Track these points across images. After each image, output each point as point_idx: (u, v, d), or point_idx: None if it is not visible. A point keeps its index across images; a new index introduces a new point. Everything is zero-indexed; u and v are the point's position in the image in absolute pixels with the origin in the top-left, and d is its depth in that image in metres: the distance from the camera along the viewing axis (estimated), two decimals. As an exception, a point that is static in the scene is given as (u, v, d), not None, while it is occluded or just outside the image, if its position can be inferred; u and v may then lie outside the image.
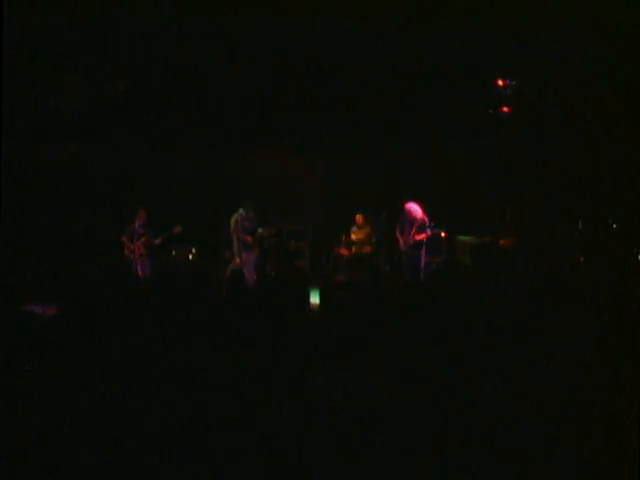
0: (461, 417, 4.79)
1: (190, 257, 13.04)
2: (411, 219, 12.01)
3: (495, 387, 5.04)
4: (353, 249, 13.42)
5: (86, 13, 8.82)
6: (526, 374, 5.18)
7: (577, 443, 4.47)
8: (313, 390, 5.35)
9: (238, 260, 12.16)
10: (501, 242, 12.25)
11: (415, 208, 12.02)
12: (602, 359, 5.33)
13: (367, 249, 13.33)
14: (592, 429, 4.56)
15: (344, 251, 13.48)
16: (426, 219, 11.96)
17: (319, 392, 5.37)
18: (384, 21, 9.47)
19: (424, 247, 11.97)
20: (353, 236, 13.54)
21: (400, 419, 4.84)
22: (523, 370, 5.24)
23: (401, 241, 12.18)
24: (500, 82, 12.31)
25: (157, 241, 12.11)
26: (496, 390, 5.00)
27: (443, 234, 13.24)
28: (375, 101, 12.68)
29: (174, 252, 13.07)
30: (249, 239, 12.06)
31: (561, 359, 5.28)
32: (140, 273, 11.66)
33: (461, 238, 13.06)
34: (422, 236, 11.93)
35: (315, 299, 10.43)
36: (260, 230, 12.59)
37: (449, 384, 5.09)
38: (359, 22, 9.50)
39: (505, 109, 12.62)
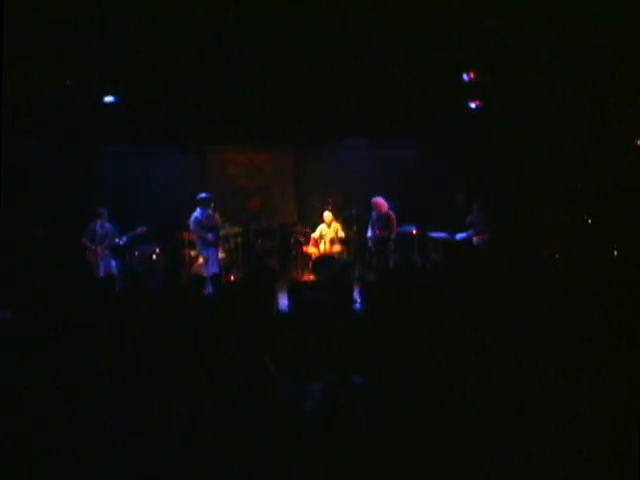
0: (440, 417, 4.85)
1: (154, 257, 12.94)
2: (376, 214, 12.01)
3: (477, 388, 5.14)
4: (322, 248, 13.44)
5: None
6: (502, 373, 5.28)
7: (577, 442, 4.54)
8: (283, 395, 5.46)
9: (202, 259, 12.10)
10: (475, 239, 12.25)
11: (380, 202, 12.02)
12: (583, 355, 5.45)
13: (336, 248, 13.36)
14: (590, 429, 4.63)
15: (313, 250, 13.51)
16: (392, 214, 11.95)
17: (290, 396, 5.46)
18: (358, 17, 9.52)
19: (392, 244, 11.94)
20: (322, 234, 13.61)
21: (373, 419, 4.93)
22: (499, 370, 5.34)
23: (368, 237, 12.19)
24: (471, 75, 12.30)
25: (122, 242, 11.99)
26: (479, 391, 5.10)
27: (414, 231, 13.29)
28: (344, 96, 12.66)
29: (137, 253, 12.97)
30: (210, 236, 12.00)
31: (540, 357, 5.42)
32: (103, 275, 11.53)
33: (433, 235, 13.07)
34: (387, 232, 11.90)
35: (283, 299, 10.50)
36: (226, 227, 12.55)
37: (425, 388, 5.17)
38: (332, 17, 9.51)
39: (477, 103, 12.62)
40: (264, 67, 11.47)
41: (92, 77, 11.51)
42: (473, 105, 12.33)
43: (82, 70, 11.20)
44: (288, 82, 12.08)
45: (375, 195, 12.69)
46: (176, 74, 11.59)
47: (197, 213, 12.16)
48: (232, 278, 12.49)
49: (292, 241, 14.00)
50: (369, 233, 12.30)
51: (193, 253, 12.70)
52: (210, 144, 14.80)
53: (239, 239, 13.38)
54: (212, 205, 12.25)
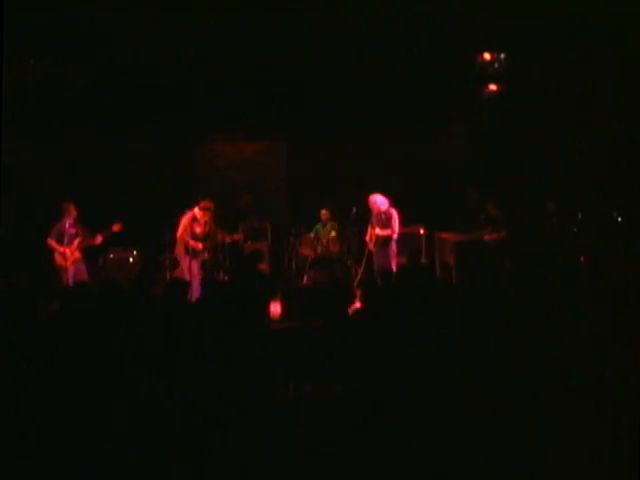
0: (442, 422, 5.09)
1: (131, 260, 12.75)
2: (376, 213, 11.90)
3: (484, 392, 5.38)
4: (319, 249, 13.35)
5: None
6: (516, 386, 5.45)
7: (577, 441, 4.85)
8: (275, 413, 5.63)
9: (182, 265, 11.89)
10: (489, 239, 12.12)
11: (379, 200, 11.90)
12: (603, 362, 5.66)
13: (334, 249, 13.22)
14: (591, 428, 4.95)
15: (308, 251, 13.37)
16: (393, 212, 11.81)
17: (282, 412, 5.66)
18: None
19: (392, 245, 11.81)
20: (318, 234, 13.57)
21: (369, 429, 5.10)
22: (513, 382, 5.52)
23: (367, 239, 12.08)
24: (485, 57, 12.17)
25: (98, 241, 11.73)
26: (488, 393, 5.36)
27: (422, 231, 13.17)
28: (345, 82, 12.52)
29: (112, 255, 12.76)
30: (199, 246, 11.77)
31: (558, 369, 5.58)
32: (73, 281, 11.29)
33: (443, 235, 12.92)
34: (387, 232, 11.77)
35: (276, 306, 10.38)
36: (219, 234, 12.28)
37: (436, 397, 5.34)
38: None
39: (491, 89, 12.50)
40: (255, 48, 11.35)
41: (65, 60, 11.38)
42: (489, 88, 12.18)
43: (56, 53, 11.10)
44: (282, 65, 11.94)
45: (376, 191, 12.51)
46: (155, 56, 11.47)
47: (190, 215, 11.88)
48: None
49: (286, 242, 13.86)
50: (368, 233, 12.19)
51: (174, 256, 12.50)
52: (194, 133, 14.61)
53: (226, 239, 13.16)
54: (209, 210, 11.96)
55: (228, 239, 12.45)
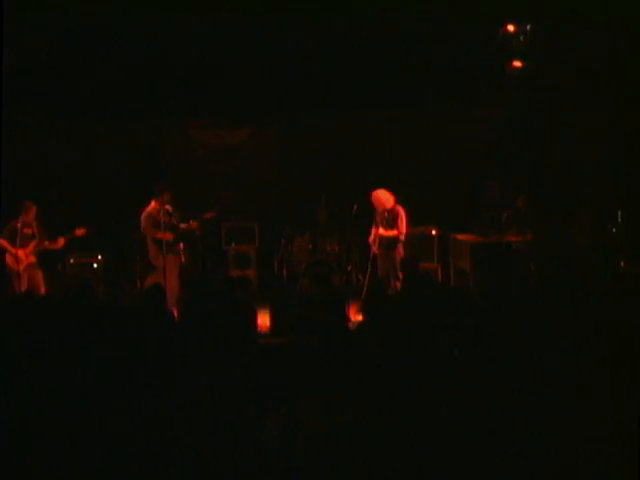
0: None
1: (95, 266, 12.67)
2: (380, 211, 11.89)
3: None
4: (314, 252, 13.46)
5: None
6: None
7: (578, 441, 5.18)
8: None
9: (157, 268, 11.83)
10: (511, 242, 12.09)
11: (383, 197, 11.92)
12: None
13: (332, 252, 13.32)
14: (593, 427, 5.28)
15: (302, 255, 13.42)
16: (400, 210, 11.80)
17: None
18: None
19: (399, 248, 11.80)
20: (314, 236, 13.58)
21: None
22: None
23: (370, 240, 12.12)
24: (509, 30, 12.14)
25: (58, 245, 11.68)
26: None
27: (434, 232, 13.12)
28: (344, 56, 12.49)
29: (72, 260, 12.66)
30: (168, 236, 11.69)
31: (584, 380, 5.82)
32: (25, 288, 11.21)
33: (458, 237, 12.88)
34: (393, 232, 11.77)
35: (265, 319, 10.30)
36: (183, 224, 12.22)
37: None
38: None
39: (516, 66, 12.48)
40: (240, 25, 11.35)
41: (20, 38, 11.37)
42: (513, 65, 12.17)
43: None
44: (271, 40, 11.90)
45: (380, 186, 12.50)
46: (127, 35, 11.48)
47: (150, 208, 11.87)
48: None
49: (276, 244, 13.88)
50: (371, 234, 12.18)
51: (146, 261, 12.45)
52: (168, 117, 14.52)
53: (205, 240, 13.08)
54: (169, 197, 11.93)
55: (196, 227, 12.43)
